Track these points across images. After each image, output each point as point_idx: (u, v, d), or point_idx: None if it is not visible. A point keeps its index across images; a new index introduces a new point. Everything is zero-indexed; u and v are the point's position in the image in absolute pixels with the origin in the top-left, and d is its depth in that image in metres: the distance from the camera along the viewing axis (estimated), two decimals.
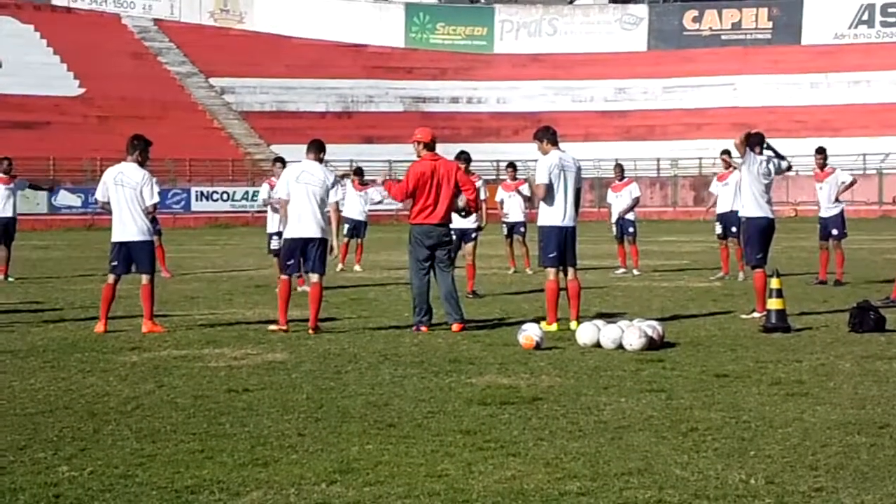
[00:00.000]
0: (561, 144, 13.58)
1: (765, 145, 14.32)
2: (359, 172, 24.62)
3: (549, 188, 13.11)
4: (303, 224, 13.25)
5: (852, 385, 9.51)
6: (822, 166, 19.83)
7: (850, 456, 7.08)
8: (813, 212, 22.08)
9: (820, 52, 70.71)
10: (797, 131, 58.14)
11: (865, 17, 72.89)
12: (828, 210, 19.60)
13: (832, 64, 69.07)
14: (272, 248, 18.97)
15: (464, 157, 16.47)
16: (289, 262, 13.42)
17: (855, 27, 72.86)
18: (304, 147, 13.75)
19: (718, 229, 20.89)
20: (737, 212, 16.57)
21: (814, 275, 19.79)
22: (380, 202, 24.30)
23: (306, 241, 13.24)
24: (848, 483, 6.48)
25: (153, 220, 22.33)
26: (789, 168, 14.93)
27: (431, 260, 13.50)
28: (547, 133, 13.38)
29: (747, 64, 71.00)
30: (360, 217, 23.98)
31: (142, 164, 13.56)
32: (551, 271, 13.26)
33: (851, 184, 19.96)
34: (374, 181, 24.90)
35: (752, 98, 67.75)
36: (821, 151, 20.02)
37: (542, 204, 13.29)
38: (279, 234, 18.23)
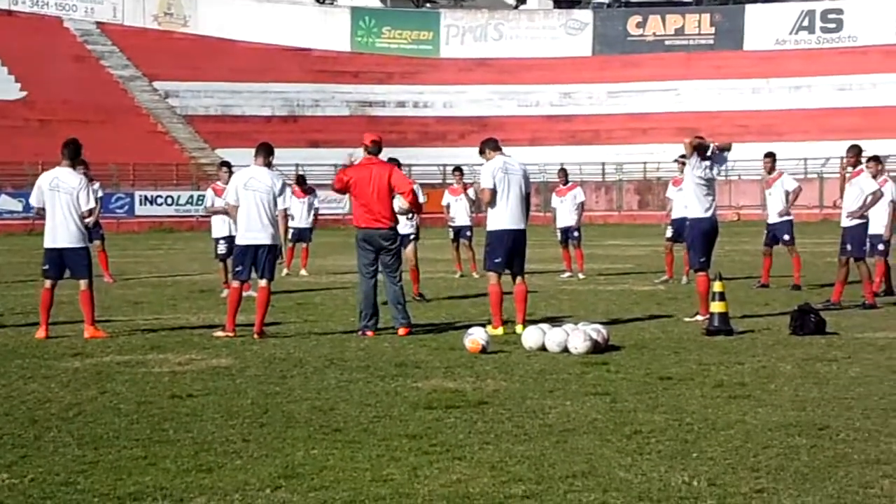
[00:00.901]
0: (507, 149, 13.67)
1: (710, 151, 14.42)
2: (301, 181, 24.44)
3: (494, 192, 13.18)
4: (252, 231, 13.21)
5: (793, 387, 9.62)
6: (771, 170, 19.97)
7: (791, 457, 7.17)
8: (756, 216, 22.33)
9: (761, 58, 71.50)
10: (740, 136, 58.60)
11: (806, 23, 73.84)
12: (777, 216, 19.68)
13: (774, 69, 69.86)
14: (219, 252, 18.86)
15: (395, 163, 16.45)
16: (238, 269, 13.36)
17: (796, 33, 73.76)
18: (250, 151, 13.71)
19: (669, 233, 20.88)
20: None
21: (756, 278, 19.99)
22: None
23: (256, 248, 13.20)
24: (789, 484, 6.56)
25: (96, 225, 22.24)
26: (724, 154, 14.87)
27: (377, 264, 13.50)
28: (488, 143, 13.59)
29: (690, 69, 71.65)
30: (304, 224, 23.80)
31: (76, 168, 13.45)
32: (493, 275, 13.31)
33: (797, 191, 19.99)
34: (314, 188, 24.77)
35: (695, 103, 68.37)
36: (769, 156, 20.15)
37: (488, 209, 13.35)
38: (225, 238, 18.17)
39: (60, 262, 13.25)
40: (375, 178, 13.42)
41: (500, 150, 13.51)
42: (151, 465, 7.10)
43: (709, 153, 14.37)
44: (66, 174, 13.31)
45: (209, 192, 19.55)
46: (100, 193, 23.50)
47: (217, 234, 18.89)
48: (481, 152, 13.55)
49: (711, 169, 14.43)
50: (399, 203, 13.65)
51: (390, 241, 13.52)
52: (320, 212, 25.45)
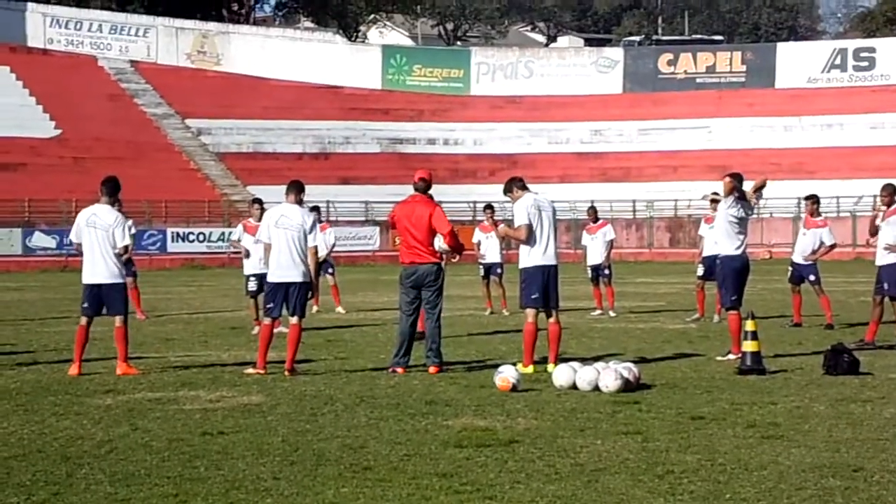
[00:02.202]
0: (537, 186, 13.71)
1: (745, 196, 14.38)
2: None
3: (531, 228, 13.22)
4: (283, 268, 13.29)
5: (827, 428, 9.54)
6: (813, 213, 19.74)
7: (825, 499, 7.10)
8: (788, 254, 22.20)
9: (793, 96, 71.32)
10: (772, 173, 58.21)
11: (838, 61, 73.64)
12: (801, 258, 19.52)
13: (806, 107, 69.65)
14: (249, 289, 18.91)
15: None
16: (269, 306, 13.41)
17: (828, 71, 73.55)
18: (281, 188, 13.80)
19: (700, 271, 20.79)
20: None
21: (788, 317, 19.86)
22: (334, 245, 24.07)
23: (288, 285, 13.26)
24: None
25: (129, 262, 22.35)
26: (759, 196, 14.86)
27: (419, 301, 13.55)
28: (515, 182, 13.61)
29: (722, 107, 71.54)
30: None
31: (114, 206, 13.57)
32: (531, 313, 13.28)
33: (831, 247, 19.75)
34: (325, 222, 24.56)
35: (726, 140, 68.19)
36: (813, 198, 19.91)
37: (522, 246, 13.36)
38: (256, 275, 18.22)
39: (99, 299, 13.36)
40: (418, 215, 13.50)
41: (526, 188, 13.58)
42: (183, 502, 7.11)
43: (745, 198, 14.32)
44: (103, 211, 13.44)
45: (239, 228, 19.67)
46: (133, 230, 23.67)
47: (248, 272, 18.94)
48: (507, 191, 13.59)
49: (747, 209, 14.40)
50: (439, 244, 13.68)
51: (432, 276, 13.55)
52: (337, 247, 24.96)
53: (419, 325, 13.88)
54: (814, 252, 19.45)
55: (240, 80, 70.55)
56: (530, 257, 13.30)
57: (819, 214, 19.79)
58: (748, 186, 14.66)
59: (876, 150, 64.19)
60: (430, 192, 13.93)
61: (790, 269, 19.84)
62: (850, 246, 52.95)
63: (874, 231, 16.55)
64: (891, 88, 70.67)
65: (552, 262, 13.33)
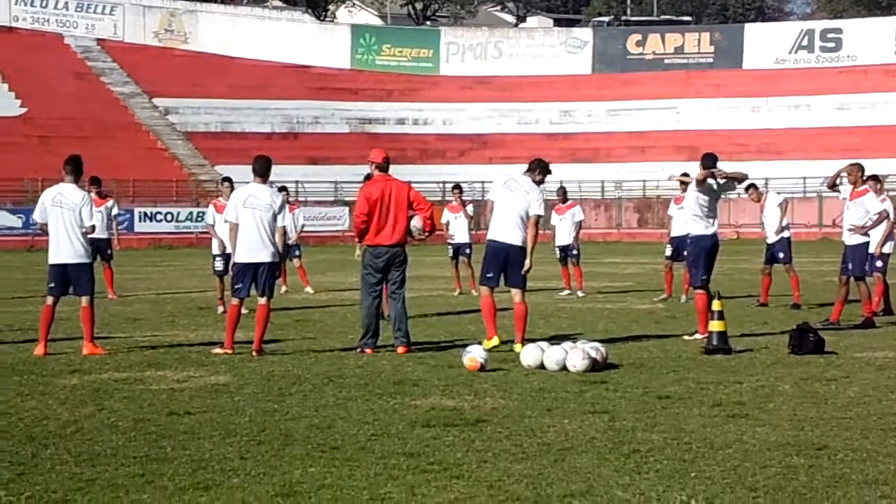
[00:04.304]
0: (507, 167, 13.80)
1: (720, 178, 14.41)
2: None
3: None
4: (252, 249, 13.21)
5: (791, 407, 9.61)
6: (758, 199, 19.92)
7: (789, 477, 7.16)
8: (756, 234, 22.36)
9: (761, 77, 71.60)
10: (739, 154, 58.73)
11: (805, 42, 73.96)
12: (774, 234, 19.71)
13: (773, 88, 69.95)
14: (216, 269, 18.85)
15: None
16: (237, 286, 13.35)
17: (795, 52, 73.88)
18: (249, 168, 13.68)
19: (668, 251, 20.92)
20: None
21: (755, 297, 19.99)
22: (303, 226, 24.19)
23: (256, 266, 13.20)
24: None
25: (107, 244, 22.11)
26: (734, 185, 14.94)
27: (383, 282, 13.53)
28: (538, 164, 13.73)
29: (690, 88, 71.75)
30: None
31: (83, 187, 13.48)
32: (484, 288, 13.44)
33: (785, 204, 19.84)
34: (293, 203, 24.67)
35: (694, 121, 68.45)
36: (752, 187, 19.92)
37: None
38: (223, 255, 18.14)
39: (65, 278, 13.26)
40: (395, 194, 13.42)
41: (531, 170, 13.68)
42: (149, 483, 7.09)
43: (720, 180, 14.34)
44: (69, 190, 13.32)
45: (210, 209, 19.55)
46: (115, 210, 23.40)
47: (216, 251, 18.88)
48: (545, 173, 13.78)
49: (718, 190, 14.44)
50: (415, 223, 13.59)
51: (401, 258, 13.52)
52: (306, 227, 25.08)
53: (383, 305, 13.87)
54: (780, 224, 19.57)
55: (208, 58, 70.15)
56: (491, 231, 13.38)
57: (761, 197, 19.92)
58: (727, 168, 14.70)
59: (842, 131, 64.61)
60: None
61: (765, 249, 19.97)
62: (816, 226, 53.31)
63: (832, 184, 16.67)
64: (857, 69, 71.09)
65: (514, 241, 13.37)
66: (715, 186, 14.40)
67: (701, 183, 14.33)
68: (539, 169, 13.68)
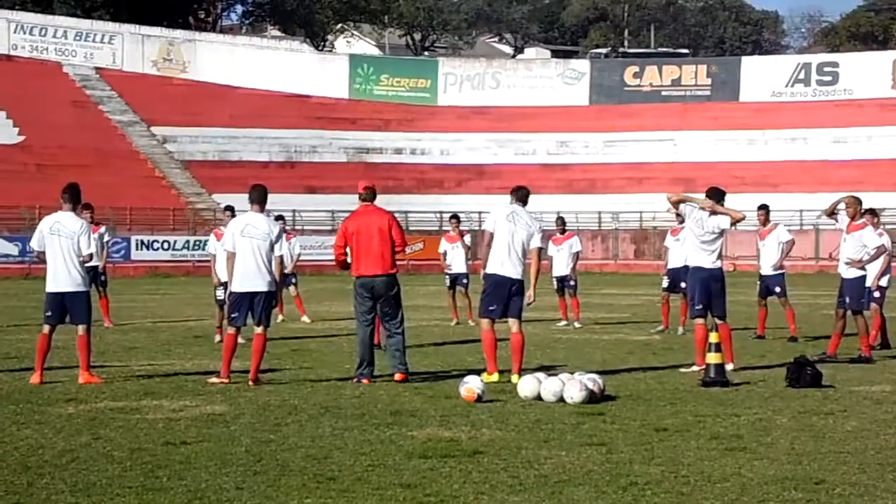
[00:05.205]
0: (504, 197, 13.77)
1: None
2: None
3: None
4: (249, 278, 13.21)
5: (789, 440, 9.59)
6: (765, 223, 20.03)
7: None
8: (752, 267, 22.36)
9: (758, 110, 71.81)
10: (735, 186, 58.42)
11: (802, 75, 74.23)
12: (770, 269, 19.70)
13: (770, 121, 70.14)
14: (217, 297, 18.80)
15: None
16: (234, 315, 13.34)
17: (792, 86, 74.13)
18: (247, 197, 13.69)
19: (665, 283, 20.89)
20: (688, 267, 16.60)
21: (752, 329, 19.98)
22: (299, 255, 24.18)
23: (253, 295, 13.19)
24: None
25: (103, 272, 22.12)
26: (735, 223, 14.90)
27: (374, 311, 13.52)
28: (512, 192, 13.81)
29: (687, 120, 71.94)
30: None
31: (81, 214, 13.49)
32: (485, 321, 13.44)
33: (791, 244, 19.87)
34: (290, 231, 24.66)
35: (691, 153, 68.59)
36: (763, 208, 20.20)
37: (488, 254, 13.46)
38: (224, 284, 18.08)
39: (62, 307, 13.24)
40: (376, 224, 13.46)
41: (519, 200, 13.68)
42: None
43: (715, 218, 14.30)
44: (66, 218, 13.33)
45: (212, 237, 19.54)
46: (106, 238, 23.42)
47: (219, 279, 18.81)
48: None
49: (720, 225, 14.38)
50: None
51: (390, 287, 13.51)
52: (303, 256, 25.08)
53: (375, 336, 13.87)
54: (779, 259, 19.54)
55: (206, 87, 70.28)
56: (490, 265, 13.43)
57: (768, 222, 19.92)
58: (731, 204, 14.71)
59: (839, 165, 64.73)
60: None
61: (758, 282, 19.96)
62: (813, 259, 53.34)
63: (831, 212, 16.67)
64: (854, 103, 71.30)
65: (513, 275, 13.42)
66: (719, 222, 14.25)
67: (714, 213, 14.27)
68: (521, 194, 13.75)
